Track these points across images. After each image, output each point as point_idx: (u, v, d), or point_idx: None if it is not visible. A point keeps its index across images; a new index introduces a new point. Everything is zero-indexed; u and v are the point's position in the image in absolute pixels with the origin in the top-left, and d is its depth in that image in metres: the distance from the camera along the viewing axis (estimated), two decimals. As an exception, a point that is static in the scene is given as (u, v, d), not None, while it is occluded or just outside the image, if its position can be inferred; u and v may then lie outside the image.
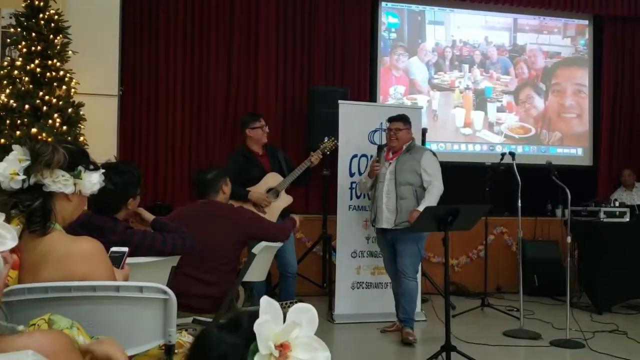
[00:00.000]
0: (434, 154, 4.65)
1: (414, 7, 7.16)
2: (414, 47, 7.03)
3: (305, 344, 0.99)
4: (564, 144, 7.57)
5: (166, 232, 2.83)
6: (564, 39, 7.53)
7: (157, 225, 2.89)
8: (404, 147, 4.58)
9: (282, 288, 4.70)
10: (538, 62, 7.39)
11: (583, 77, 7.55)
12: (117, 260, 2.02)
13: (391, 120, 4.66)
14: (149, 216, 2.93)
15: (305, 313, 1.02)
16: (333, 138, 4.97)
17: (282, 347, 0.97)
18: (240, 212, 3.50)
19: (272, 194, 4.65)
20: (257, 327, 0.97)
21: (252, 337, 0.98)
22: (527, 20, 7.41)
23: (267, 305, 1.00)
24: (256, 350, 0.98)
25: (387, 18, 6.94)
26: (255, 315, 1.01)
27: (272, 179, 4.68)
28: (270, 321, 0.98)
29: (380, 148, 4.71)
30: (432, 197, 4.38)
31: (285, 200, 4.75)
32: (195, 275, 3.23)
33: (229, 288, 3.30)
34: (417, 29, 7.04)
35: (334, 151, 5.29)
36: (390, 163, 4.59)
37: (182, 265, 3.12)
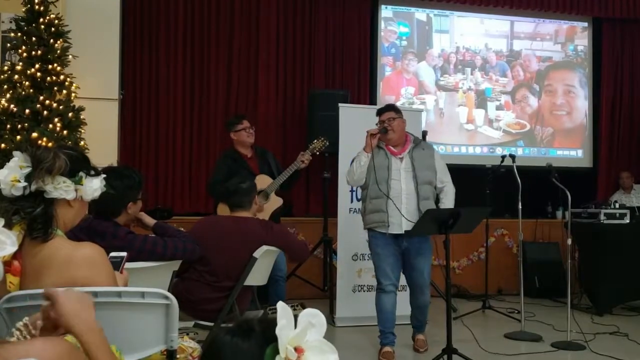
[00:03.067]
0: None
1: (416, 13, 7.26)
2: (423, 53, 7.38)
3: (316, 347, 1.04)
4: (564, 146, 7.63)
5: (167, 236, 2.84)
6: (555, 45, 7.76)
7: (159, 229, 2.90)
8: (412, 140, 4.17)
9: (272, 291, 4.69)
10: (532, 65, 7.67)
11: (572, 79, 7.77)
12: (116, 265, 2.03)
13: (382, 111, 4.21)
14: (150, 221, 2.93)
15: (314, 317, 1.06)
16: (322, 138, 4.91)
17: (296, 351, 1.01)
18: (274, 233, 3.45)
19: (261, 197, 4.62)
20: (279, 331, 1.00)
21: (265, 342, 1.02)
22: (522, 28, 7.63)
23: (283, 310, 1.03)
24: (272, 354, 1.00)
25: (399, 27, 7.29)
26: (264, 321, 1.05)
27: (262, 181, 4.66)
28: (287, 325, 1.02)
29: (385, 131, 4.06)
30: (451, 198, 4.15)
31: (275, 202, 4.75)
32: (216, 285, 3.30)
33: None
34: (425, 37, 7.39)
35: (335, 154, 5.31)
36: (400, 158, 4.09)
37: (207, 276, 3.20)
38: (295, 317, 1.04)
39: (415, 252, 4.07)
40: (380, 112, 4.23)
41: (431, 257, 4.30)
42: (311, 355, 1.02)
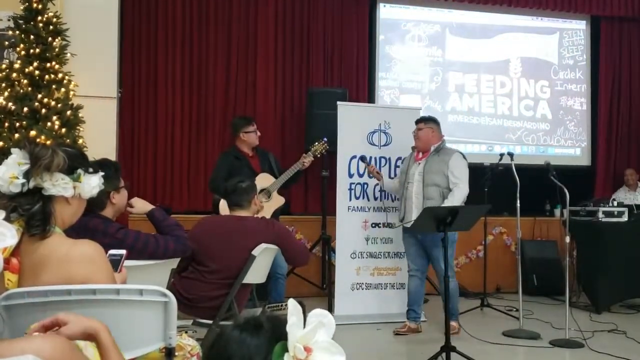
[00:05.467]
0: (464, 156, 4.69)
1: (415, 11, 7.28)
2: (423, 51, 7.32)
3: (325, 348, 1.03)
4: (562, 144, 7.63)
5: (162, 229, 2.81)
6: (552, 43, 7.71)
7: (154, 219, 2.87)
8: (432, 148, 4.64)
9: (272, 289, 4.71)
10: (531, 65, 7.62)
11: (570, 77, 7.74)
12: (115, 264, 2.02)
13: (415, 122, 4.79)
14: (142, 208, 2.89)
15: (324, 317, 1.06)
16: (323, 141, 4.99)
17: (305, 350, 1.01)
18: (275, 230, 3.45)
19: (264, 195, 4.66)
20: (289, 328, 1.01)
21: (274, 339, 1.02)
22: (520, 25, 7.59)
23: (293, 307, 1.03)
24: (281, 351, 1.00)
25: (400, 26, 7.28)
26: (273, 317, 1.05)
27: (264, 180, 4.69)
28: (297, 323, 1.02)
29: (362, 158, 5.07)
30: (454, 198, 4.44)
31: (277, 201, 4.78)
32: (214, 283, 3.29)
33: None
34: (424, 35, 7.34)
35: (333, 153, 5.32)
36: (419, 164, 4.66)
37: (206, 275, 3.19)
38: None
39: (429, 243, 4.52)
40: (415, 122, 4.80)
41: (452, 248, 4.48)
42: (319, 356, 1.02)
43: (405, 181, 4.71)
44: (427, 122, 4.73)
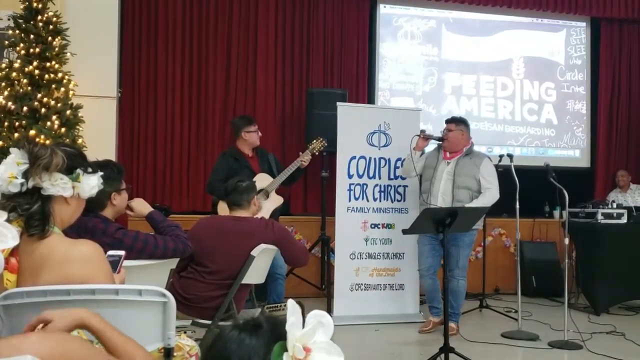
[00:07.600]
0: (491, 160, 4.80)
1: (415, 11, 7.23)
2: (422, 51, 7.26)
3: (324, 349, 1.03)
4: (561, 146, 7.62)
5: (161, 230, 2.82)
6: (559, 43, 7.65)
7: (152, 221, 2.87)
8: (464, 150, 4.69)
9: (271, 289, 4.71)
10: (535, 65, 7.53)
11: (570, 79, 7.69)
12: (114, 265, 2.02)
13: (446, 121, 4.84)
14: (141, 210, 2.89)
15: (323, 318, 1.06)
16: (321, 139, 4.99)
17: (305, 350, 1.02)
18: (274, 230, 3.45)
19: (262, 195, 4.65)
20: (289, 327, 1.01)
21: (273, 339, 1.02)
22: (520, 26, 7.52)
23: (292, 307, 1.03)
24: (280, 351, 1.00)
25: (396, 20, 7.21)
26: (272, 317, 1.05)
27: (262, 180, 4.68)
28: (296, 323, 1.02)
29: (441, 139, 4.77)
30: (484, 199, 4.52)
31: (275, 201, 4.78)
32: (213, 284, 3.30)
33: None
34: (424, 36, 7.27)
35: (333, 153, 5.32)
36: (448, 163, 4.68)
37: (205, 275, 3.20)
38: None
39: (451, 241, 4.40)
40: (445, 122, 4.84)
41: (468, 249, 4.61)
42: (318, 356, 1.02)
43: (432, 177, 4.69)
44: (459, 123, 4.76)
